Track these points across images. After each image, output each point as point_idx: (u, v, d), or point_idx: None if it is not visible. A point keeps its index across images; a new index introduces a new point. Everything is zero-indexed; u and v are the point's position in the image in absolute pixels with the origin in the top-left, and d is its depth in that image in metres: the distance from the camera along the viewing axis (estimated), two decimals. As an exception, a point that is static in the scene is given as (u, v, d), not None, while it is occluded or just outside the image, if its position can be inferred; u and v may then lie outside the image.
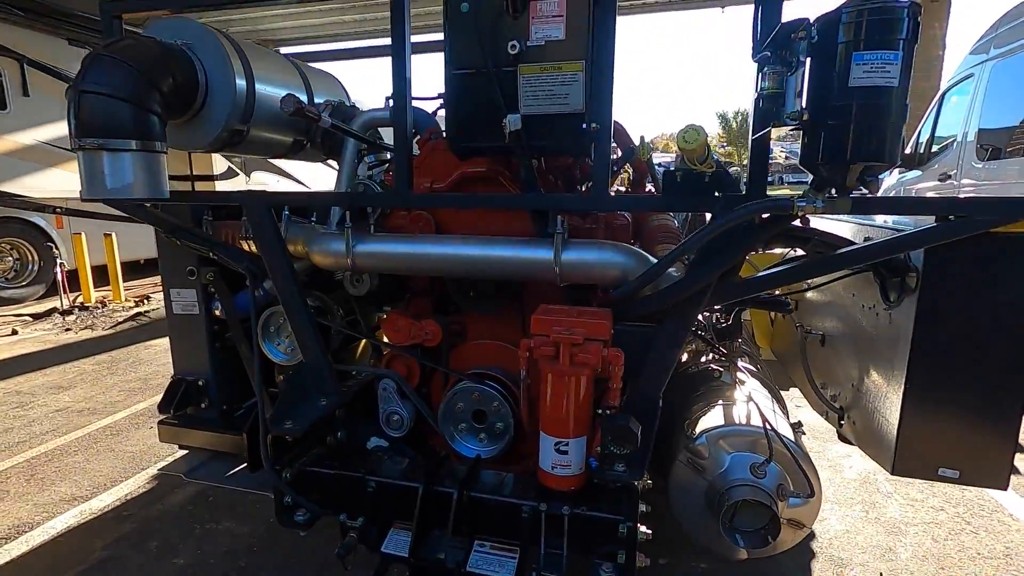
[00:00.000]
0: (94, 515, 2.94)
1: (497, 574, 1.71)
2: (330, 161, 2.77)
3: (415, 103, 2.41)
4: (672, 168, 1.59)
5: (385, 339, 2.15)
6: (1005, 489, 1.61)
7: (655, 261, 1.69)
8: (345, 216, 1.83)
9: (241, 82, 2.07)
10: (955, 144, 6.42)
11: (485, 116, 1.68)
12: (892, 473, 1.69)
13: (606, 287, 1.75)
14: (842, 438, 2.24)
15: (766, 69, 1.35)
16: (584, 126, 1.60)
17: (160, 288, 2.46)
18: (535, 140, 1.66)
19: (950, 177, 6.46)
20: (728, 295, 1.68)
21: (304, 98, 2.46)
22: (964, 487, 3.00)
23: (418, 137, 2.20)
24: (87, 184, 1.77)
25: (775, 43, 1.35)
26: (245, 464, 2.45)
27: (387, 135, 2.60)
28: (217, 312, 2.36)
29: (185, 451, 2.60)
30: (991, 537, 2.63)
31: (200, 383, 2.43)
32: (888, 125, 1.24)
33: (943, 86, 6.92)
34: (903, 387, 1.63)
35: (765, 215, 1.50)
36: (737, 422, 1.92)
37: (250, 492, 3.03)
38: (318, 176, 14.10)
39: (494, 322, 2.12)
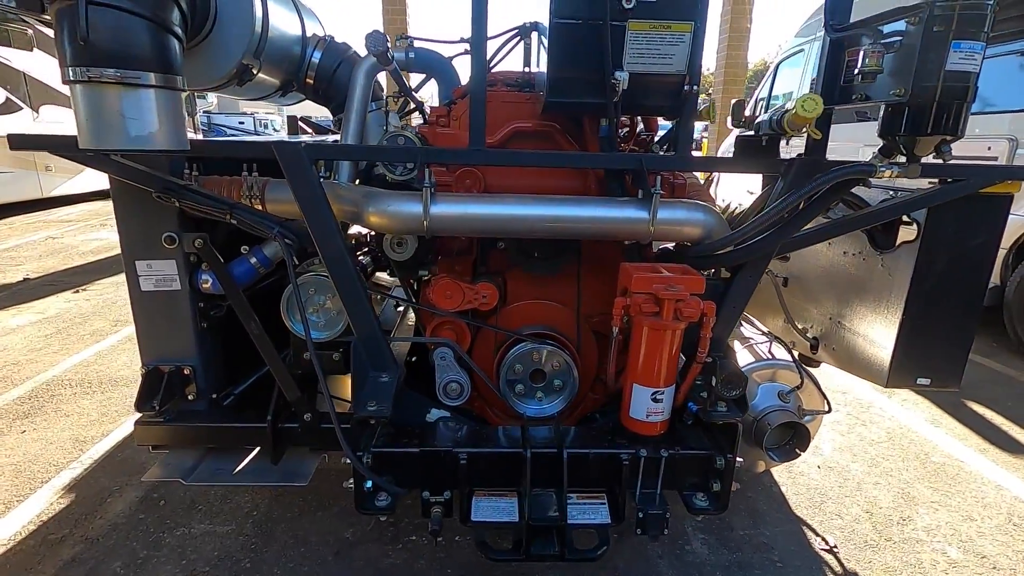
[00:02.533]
0: (4, 545, 2.36)
1: (594, 520, 1.81)
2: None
3: (432, 46, 2.22)
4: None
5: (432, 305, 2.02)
6: (958, 388, 2.12)
7: (724, 220, 1.84)
8: (426, 174, 1.65)
9: (258, 1, 1.68)
10: (788, 109, 7.59)
11: (586, 70, 1.62)
12: (886, 386, 2.11)
13: (688, 244, 1.85)
14: (806, 361, 2.69)
15: (867, 47, 1.52)
16: (686, 87, 1.64)
17: None
18: (634, 99, 1.66)
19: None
20: (787, 248, 1.90)
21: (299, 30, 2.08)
22: (848, 391, 3.81)
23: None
24: (94, 130, 1.34)
25: (873, 24, 1.53)
26: (250, 457, 2.17)
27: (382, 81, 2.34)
28: (206, 285, 1.99)
29: (162, 453, 2.19)
30: (876, 426, 3.41)
31: (186, 371, 2.05)
32: (966, 104, 1.50)
33: (777, 58, 8.03)
34: (900, 318, 2.02)
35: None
36: (764, 357, 2.21)
37: (212, 488, 2.70)
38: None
39: (540, 282, 2.11)
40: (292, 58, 2.07)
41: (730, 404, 1.76)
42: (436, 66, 2.16)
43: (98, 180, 12.01)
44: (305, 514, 2.57)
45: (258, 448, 2.19)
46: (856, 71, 1.56)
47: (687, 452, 1.79)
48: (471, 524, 1.79)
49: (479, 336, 2.14)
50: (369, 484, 1.73)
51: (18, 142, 1.65)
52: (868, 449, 3.16)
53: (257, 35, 1.71)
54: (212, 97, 14.98)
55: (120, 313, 5.28)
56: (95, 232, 8.97)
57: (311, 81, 2.18)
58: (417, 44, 2.14)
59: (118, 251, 2.02)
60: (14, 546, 2.36)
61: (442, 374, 1.97)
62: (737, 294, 1.85)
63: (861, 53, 1.54)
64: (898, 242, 2.04)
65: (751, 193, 3.06)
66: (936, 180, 1.87)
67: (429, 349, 2.07)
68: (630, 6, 1.54)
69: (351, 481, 1.74)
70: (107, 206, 11.67)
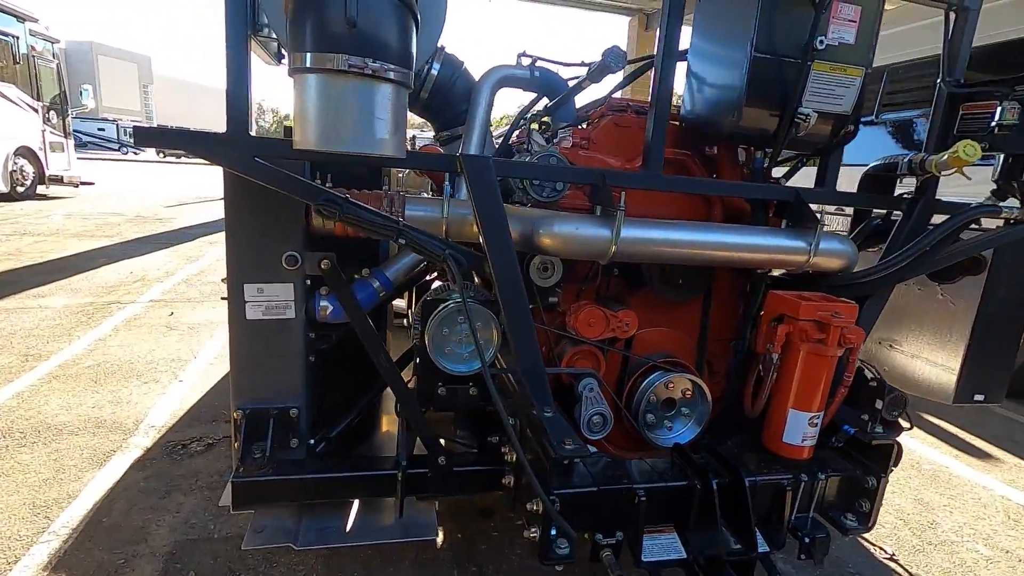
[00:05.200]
0: (-6, 653, 1.82)
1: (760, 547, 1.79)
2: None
3: (550, 66, 2.16)
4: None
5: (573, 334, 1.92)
6: (1001, 403, 2.42)
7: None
8: (621, 198, 1.58)
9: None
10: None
11: (773, 105, 1.67)
12: (951, 403, 2.35)
13: (828, 274, 1.94)
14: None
15: (1006, 104, 1.74)
16: (851, 127, 1.76)
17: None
18: (800, 134, 1.73)
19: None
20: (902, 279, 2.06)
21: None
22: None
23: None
24: (330, 129, 1.11)
25: (1009, 84, 1.75)
26: (355, 512, 1.89)
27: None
28: (326, 312, 1.74)
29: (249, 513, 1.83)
30: (866, 440, 3.76)
31: (292, 413, 1.75)
32: (1078, 159, 1.76)
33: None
34: (967, 342, 2.28)
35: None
36: (851, 380, 2.36)
37: (247, 552, 2.30)
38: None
39: (662, 309, 2.10)
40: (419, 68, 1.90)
41: (887, 425, 1.86)
42: (555, 87, 2.10)
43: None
44: (375, 571, 2.27)
45: (357, 501, 1.92)
46: (993, 123, 1.77)
47: (840, 474, 1.85)
48: (644, 565, 1.70)
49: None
50: (553, 531, 1.57)
51: (144, 136, 1.35)
52: (870, 461, 3.47)
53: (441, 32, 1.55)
54: (89, 100, 13.23)
55: (27, 346, 4.39)
56: (-51, 248, 7.44)
57: (426, 95, 2.00)
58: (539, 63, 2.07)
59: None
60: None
61: (589, 407, 1.87)
62: (866, 321, 1.98)
63: (999, 108, 1.75)
64: (960, 275, 2.31)
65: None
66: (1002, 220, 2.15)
67: (565, 381, 1.97)
68: (821, 48, 1.63)
69: (534, 530, 1.57)
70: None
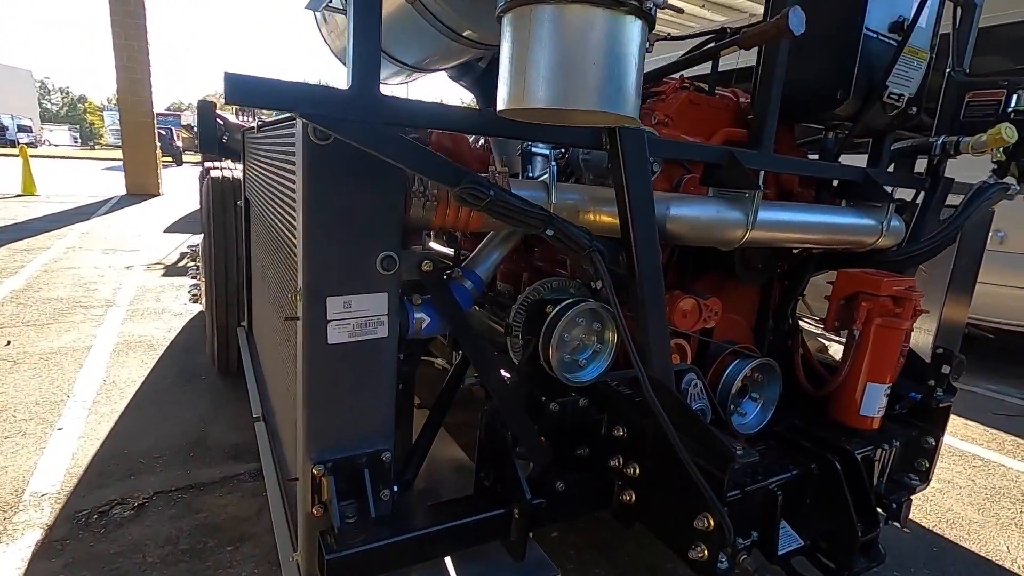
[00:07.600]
0: None
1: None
2: None
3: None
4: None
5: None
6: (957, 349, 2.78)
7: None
8: (759, 178, 1.46)
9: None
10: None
11: (872, 83, 1.67)
12: (928, 361, 2.64)
13: (879, 250, 2.02)
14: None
15: (1021, 92, 1.94)
16: (914, 109, 1.83)
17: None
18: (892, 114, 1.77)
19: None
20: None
21: None
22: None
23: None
24: (578, 82, 0.82)
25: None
26: (452, 565, 1.56)
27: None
28: (422, 325, 1.39)
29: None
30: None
31: (385, 457, 1.37)
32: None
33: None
34: (941, 308, 2.57)
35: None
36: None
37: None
38: None
39: (721, 294, 2.05)
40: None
41: (947, 389, 2.00)
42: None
43: None
44: None
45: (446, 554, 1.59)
46: (1010, 109, 1.97)
47: (908, 437, 1.96)
48: (778, 559, 1.63)
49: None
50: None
51: (238, 89, 0.92)
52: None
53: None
54: None
55: None
56: None
57: (484, 65, 1.68)
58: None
59: None
60: None
61: (692, 403, 1.74)
62: (904, 291, 2.11)
63: (1015, 95, 1.96)
64: (933, 246, 2.59)
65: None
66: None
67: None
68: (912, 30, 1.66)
69: (700, 549, 1.41)
70: None
